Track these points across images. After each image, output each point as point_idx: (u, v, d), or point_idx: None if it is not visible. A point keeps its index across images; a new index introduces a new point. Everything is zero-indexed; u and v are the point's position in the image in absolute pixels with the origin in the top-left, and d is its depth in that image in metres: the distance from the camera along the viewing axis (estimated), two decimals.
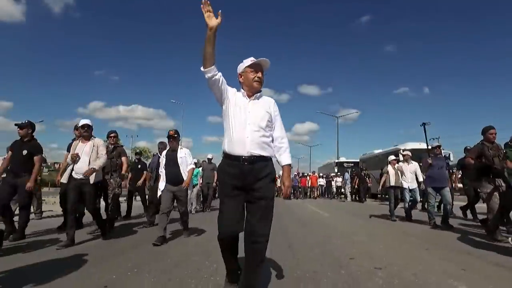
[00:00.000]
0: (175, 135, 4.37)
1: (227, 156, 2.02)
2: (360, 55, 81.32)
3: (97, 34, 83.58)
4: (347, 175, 16.38)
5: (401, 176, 6.93)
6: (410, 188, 6.89)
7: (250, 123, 1.97)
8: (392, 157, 7.39)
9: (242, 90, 2.10)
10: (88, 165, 3.94)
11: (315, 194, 18.93)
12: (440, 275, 2.67)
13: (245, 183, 1.94)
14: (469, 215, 6.80)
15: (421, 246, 3.98)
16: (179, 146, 4.44)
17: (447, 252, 3.63)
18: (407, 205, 6.95)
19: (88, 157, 3.99)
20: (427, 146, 6.53)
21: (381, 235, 4.94)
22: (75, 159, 3.93)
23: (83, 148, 4.03)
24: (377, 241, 4.39)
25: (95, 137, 4.23)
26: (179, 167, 4.26)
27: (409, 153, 7.37)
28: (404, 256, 3.43)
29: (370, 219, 7.40)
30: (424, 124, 6.97)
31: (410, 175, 6.91)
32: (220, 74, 1.98)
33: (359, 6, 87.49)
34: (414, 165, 7.00)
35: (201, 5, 1.82)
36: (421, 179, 6.76)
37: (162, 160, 4.37)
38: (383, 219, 7.19)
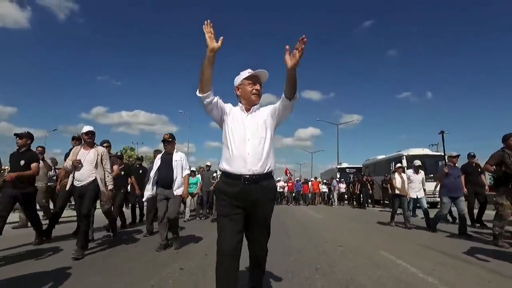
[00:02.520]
0: (170, 139, 4.34)
1: (226, 175, 1.91)
2: (362, 60, 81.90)
3: (100, 40, 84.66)
4: (334, 182, 17.10)
5: (408, 185, 7.00)
6: (418, 197, 6.97)
7: (250, 138, 1.88)
8: (398, 165, 7.62)
9: (240, 104, 2.02)
10: (91, 173, 3.94)
11: (316, 201, 18.60)
12: (376, 249, 4.31)
13: (246, 202, 1.86)
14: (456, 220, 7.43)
15: (380, 237, 5.60)
16: (175, 150, 4.44)
17: (393, 239, 5.28)
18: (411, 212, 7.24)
19: (91, 165, 3.96)
20: (444, 154, 6.82)
21: (357, 230, 6.56)
22: (77, 165, 3.89)
23: (85, 156, 3.97)
24: (351, 234, 6.04)
25: (97, 145, 4.29)
26: (173, 170, 4.22)
27: (420, 163, 7.39)
28: (362, 241, 5.08)
29: (358, 220, 8.86)
30: (442, 132, 7.38)
31: (417, 185, 6.99)
32: (217, 97, 1.93)
33: (362, 11, 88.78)
34: (421, 174, 7.10)
35: (204, 26, 1.81)
36: (427, 187, 6.83)
37: (157, 163, 4.33)
38: (374, 222, 7.96)
